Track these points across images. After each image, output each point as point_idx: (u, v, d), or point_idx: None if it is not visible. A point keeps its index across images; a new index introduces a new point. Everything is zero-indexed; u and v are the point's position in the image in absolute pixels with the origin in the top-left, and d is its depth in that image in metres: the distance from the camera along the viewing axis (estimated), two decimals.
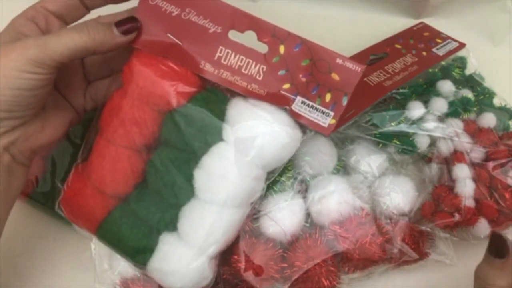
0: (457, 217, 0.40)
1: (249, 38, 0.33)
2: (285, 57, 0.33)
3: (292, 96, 0.33)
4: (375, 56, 0.52)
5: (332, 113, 0.33)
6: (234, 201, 0.32)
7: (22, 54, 0.29)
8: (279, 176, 0.39)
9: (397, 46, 0.53)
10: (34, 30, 0.33)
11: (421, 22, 0.60)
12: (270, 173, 0.34)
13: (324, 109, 0.33)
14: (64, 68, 0.31)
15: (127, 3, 0.35)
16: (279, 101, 0.33)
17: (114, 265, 0.38)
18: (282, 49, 0.33)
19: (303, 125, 0.34)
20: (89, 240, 0.39)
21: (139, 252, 0.34)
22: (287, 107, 0.33)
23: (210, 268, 0.34)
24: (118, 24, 0.32)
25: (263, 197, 0.38)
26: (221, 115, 0.33)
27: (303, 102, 0.33)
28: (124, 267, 0.38)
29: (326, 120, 0.33)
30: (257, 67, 0.33)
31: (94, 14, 0.35)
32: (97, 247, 0.39)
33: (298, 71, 0.33)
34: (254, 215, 0.38)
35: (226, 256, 0.37)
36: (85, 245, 0.41)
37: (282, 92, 0.33)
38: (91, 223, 0.35)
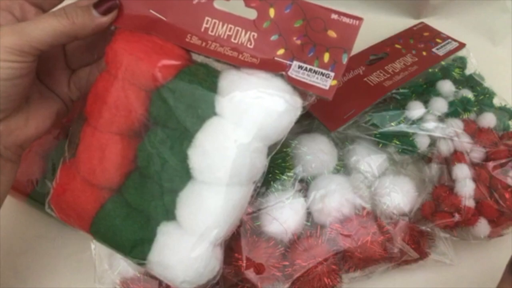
0: (457, 217, 0.40)
1: (236, 5, 0.32)
2: (276, 21, 0.31)
3: (288, 62, 0.31)
4: (375, 56, 0.52)
5: (332, 74, 0.30)
6: (234, 178, 0.30)
7: None
8: (280, 174, 0.39)
9: (397, 46, 0.53)
10: (10, 20, 0.31)
11: (421, 22, 0.60)
12: (271, 147, 0.32)
13: (324, 71, 0.30)
14: (45, 56, 0.31)
15: None
16: (275, 68, 0.31)
17: (114, 265, 0.38)
18: (272, 12, 0.31)
19: (304, 92, 0.31)
20: (89, 240, 0.39)
21: (136, 245, 0.31)
22: (284, 73, 0.31)
23: (215, 257, 0.31)
24: (97, 4, 0.31)
25: (264, 195, 0.38)
26: (212, 88, 0.30)
27: (300, 67, 0.31)
28: (124, 267, 0.38)
29: (326, 82, 0.30)
30: (248, 35, 0.31)
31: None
32: (97, 247, 0.39)
33: (291, 34, 0.31)
34: (254, 213, 0.38)
35: (226, 255, 0.37)
36: (85, 245, 0.41)
37: (276, 58, 0.31)
38: (83, 220, 0.32)
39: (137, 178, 0.32)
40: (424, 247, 0.41)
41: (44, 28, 0.29)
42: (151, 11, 0.32)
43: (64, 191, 0.33)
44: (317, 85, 0.31)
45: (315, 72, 0.31)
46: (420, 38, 0.55)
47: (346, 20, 0.30)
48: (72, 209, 0.33)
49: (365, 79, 0.47)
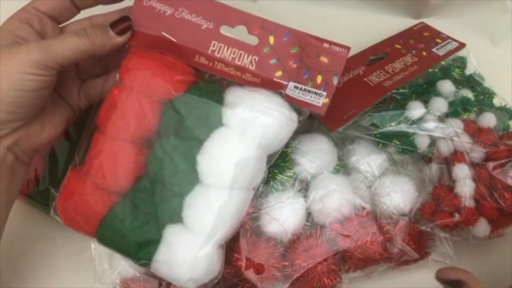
0: (457, 217, 0.40)
1: (240, 32, 0.35)
2: (275, 47, 0.35)
3: (285, 82, 0.35)
4: (375, 56, 0.52)
5: (324, 93, 0.35)
6: (238, 183, 0.33)
7: (27, 57, 0.30)
8: (280, 174, 0.39)
9: (397, 46, 0.53)
10: (30, 32, 0.34)
11: (421, 22, 0.60)
12: (270, 156, 0.35)
13: (317, 90, 0.35)
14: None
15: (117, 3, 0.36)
16: (274, 87, 0.35)
17: (114, 265, 0.38)
18: (271, 39, 0.35)
19: (299, 108, 0.35)
20: (89, 240, 0.39)
21: (143, 246, 0.33)
22: (282, 91, 0.35)
23: (218, 257, 0.33)
24: (113, 25, 0.34)
25: (264, 195, 0.38)
26: (220, 101, 0.34)
27: (296, 87, 0.35)
28: (124, 267, 0.38)
29: (319, 100, 0.35)
30: (250, 58, 0.35)
31: (84, 14, 0.36)
32: (97, 247, 0.39)
33: (288, 59, 0.35)
34: (254, 213, 0.38)
35: (226, 255, 0.37)
36: (85, 245, 0.41)
37: (275, 79, 0.35)
38: (90, 223, 0.34)
39: (146, 182, 0.34)
40: (424, 247, 0.41)
41: (68, 47, 0.32)
42: (163, 33, 0.35)
43: (72, 195, 0.35)
44: (311, 102, 0.35)
45: (309, 91, 0.35)
46: (420, 38, 0.55)
47: (336, 48, 0.35)
48: (79, 213, 0.34)
49: (365, 79, 0.47)
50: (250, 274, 0.36)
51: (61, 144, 0.44)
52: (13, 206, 0.36)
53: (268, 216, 0.37)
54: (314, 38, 0.35)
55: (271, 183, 0.39)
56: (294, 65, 0.35)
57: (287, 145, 0.41)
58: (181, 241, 0.33)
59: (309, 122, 0.45)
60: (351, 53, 0.51)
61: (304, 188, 0.40)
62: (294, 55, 0.35)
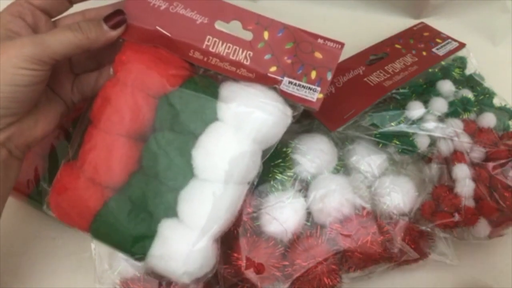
0: (457, 217, 0.40)
1: (234, 27, 0.36)
2: (270, 42, 0.35)
3: (280, 78, 0.35)
4: (375, 56, 0.52)
5: (319, 89, 0.35)
6: (233, 177, 0.33)
7: (20, 52, 0.30)
8: (280, 174, 0.39)
9: (397, 46, 0.53)
10: (22, 26, 0.34)
11: (421, 22, 0.60)
12: (265, 151, 0.35)
13: (311, 86, 0.35)
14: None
15: None
16: (268, 83, 0.35)
17: (114, 265, 0.38)
18: (266, 35, 0.35)
19: (293, 104, 0.35)
20: (89, 240, 0.39)
21: (138, 240, 0.33)
22: (277, 86, 0.35)
23: (213, 251, 0.33)
24: (107, 19, 0.34)
25: (264, 195, 0.38)
26: (215, 96, 0.34)
27: (290, 82, 0.35)
28: (124, 267, 0.38)
29: (314, 95, 0.35)
30: (244, 53, 0.35)
31: (76, 8, 0.36)
32: (97, 247, 0.39)
33: (283, 54, 0.35)
34: (254, 213, 0.38)
35: (227, 254, 0.37)
36: (85, 245, 0.41)
37: (269, 74, 0.35)
38: (84, 218, 0.34)
39: (141, 177, 0.34)
40: (424, 247, 0.42)
41: (62, 41, 0.31)
42: (157, 27, 0.35)
43: (65, 189, 0.34)
44: (306, 97, 0.35)
45: (303, 87, 0.35)
46: (420, 38, 0.55)
47: (330, 44, 0.35)
48: (73, 208, 0.34)
49: (365, 79, 0.47)
50: (250, 274, 0.36)
51: (61, 143, 0.44)
52: (13, 206, 0.36)
53: (268, 216, 0.37)
54: (309, 33, 0.35)
55: (271, 183, 0.39)
56: (289, 61, 0.35)
57: (287, 145, 0.41)
58: (176, 235, 0.33)
59: (309, 122, 0.45)
60: (351, 53, 0.51)
61: (304, 188, 0.40)
62: (288, 51, 0.35)
